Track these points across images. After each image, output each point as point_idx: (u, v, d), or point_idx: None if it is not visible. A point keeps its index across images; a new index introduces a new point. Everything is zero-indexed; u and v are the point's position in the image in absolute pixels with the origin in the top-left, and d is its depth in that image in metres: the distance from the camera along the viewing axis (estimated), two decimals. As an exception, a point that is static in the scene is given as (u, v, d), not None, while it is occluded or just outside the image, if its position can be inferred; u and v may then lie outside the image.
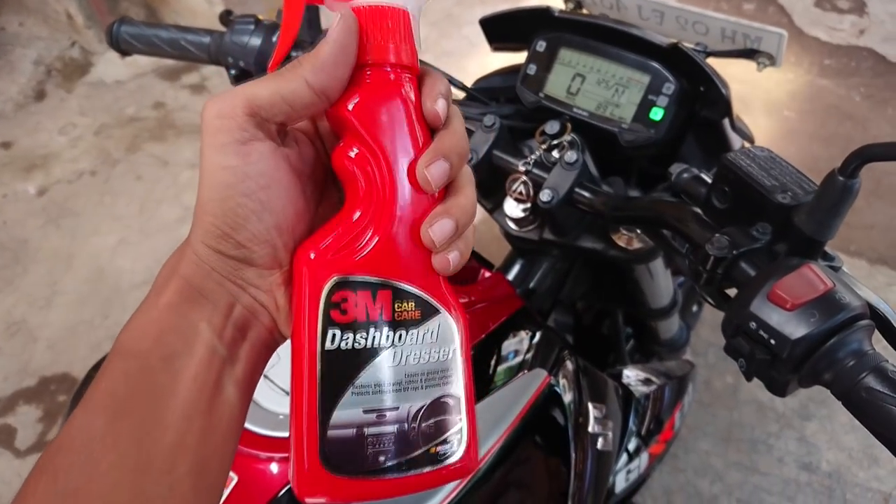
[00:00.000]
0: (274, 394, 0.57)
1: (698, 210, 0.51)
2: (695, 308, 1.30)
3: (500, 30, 0.83)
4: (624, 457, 0.78)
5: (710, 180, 0.52)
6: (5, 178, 2.37)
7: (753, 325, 0.40)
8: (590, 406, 0.70)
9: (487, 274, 0.78)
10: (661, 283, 0.92)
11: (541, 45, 0.76)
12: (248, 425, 0.54)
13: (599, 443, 0.69)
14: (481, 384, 0.63)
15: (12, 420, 1.75)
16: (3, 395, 1.79)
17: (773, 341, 0.40)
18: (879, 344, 0.41)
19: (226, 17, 0.75)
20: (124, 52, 0.72)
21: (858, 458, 1.54)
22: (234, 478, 0.52)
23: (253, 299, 0.35)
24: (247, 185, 0.33)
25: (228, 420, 0.33)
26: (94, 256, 2.09)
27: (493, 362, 0.66)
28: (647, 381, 0.86)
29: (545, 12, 0.74)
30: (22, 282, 2.05)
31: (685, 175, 0.55)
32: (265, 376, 0.58)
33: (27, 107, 2.65)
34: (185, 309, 0.33)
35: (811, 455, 1.55)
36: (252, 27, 0.65)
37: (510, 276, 0.83)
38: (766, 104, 2.37)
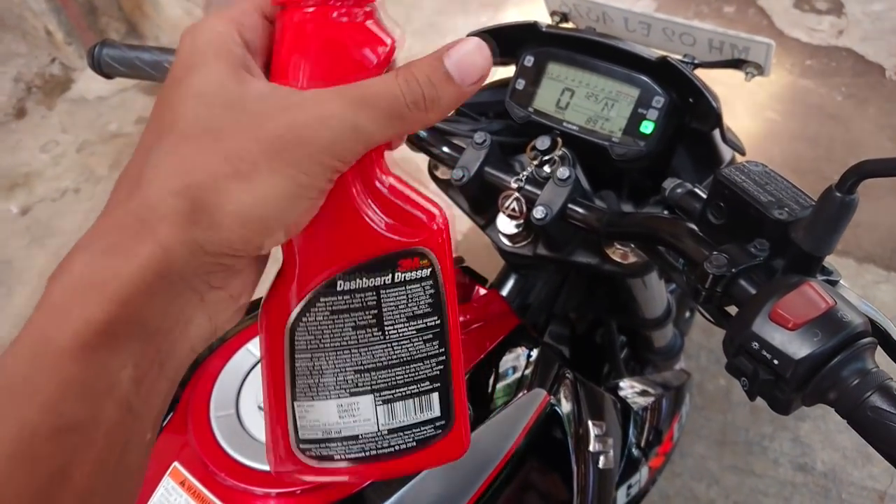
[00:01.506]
0: (269, 425, 0.55)
1: (693, 226, 0.51)
2: (687, 314, 1.30)
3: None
4: (625, 471, 0.78)
5: (704, 195, 0.52)
6: (-13, 198, 2.34)
7: (756, 345, 0.40)
8: (590, 424, 0.69)
9: (482, 291, 0.77)
10: (656, 293, 0.91)
11: (529, 60, 0.75)
12: (241, 459, 0.53)
13: (601, 461, 0.69)
14: (482, 405, 0.63)
15: (0, 445, 1.72)
16: (-11, 419, 1.77)
17: (776, 361, 0.39)
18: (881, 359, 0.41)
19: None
20: (106, 76, 0.70)
21: (853, 457, 1.55)
22: (229, 513, 0.51)
23: (204, 307, 0.28)
24: (315, 209, 0.30)
25: (136, 477, 0.26)
26: (80, 276, 2.07)
27: (491, 382, 0.65)
28: (644, 393, 0.86)
29: (532, 27, 0.73)
30: (7, 303, 2.02)
31: (679, 190, 0.55)
32: (259, 408, 0.57)
33: (7, 125, 2.63)
34: (105, 351, 0.24)
35: (806, 455, 1.56)
36: (238, 48, 0.64)
37: (504, 292, 0.82)
38: (749, 106, 2.38)
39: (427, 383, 0.34)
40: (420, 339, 0.33)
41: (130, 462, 0.25)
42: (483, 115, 0.83)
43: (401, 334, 0.33)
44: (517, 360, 0.68)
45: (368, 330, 0.33)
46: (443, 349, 0.34)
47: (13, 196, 2.34)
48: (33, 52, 2.87)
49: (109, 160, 2.42)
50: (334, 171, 0.27)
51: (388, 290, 0.32)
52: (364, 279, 0.32)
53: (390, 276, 0.32)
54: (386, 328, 0.33)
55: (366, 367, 0.33)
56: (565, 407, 0.67)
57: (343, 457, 0.34)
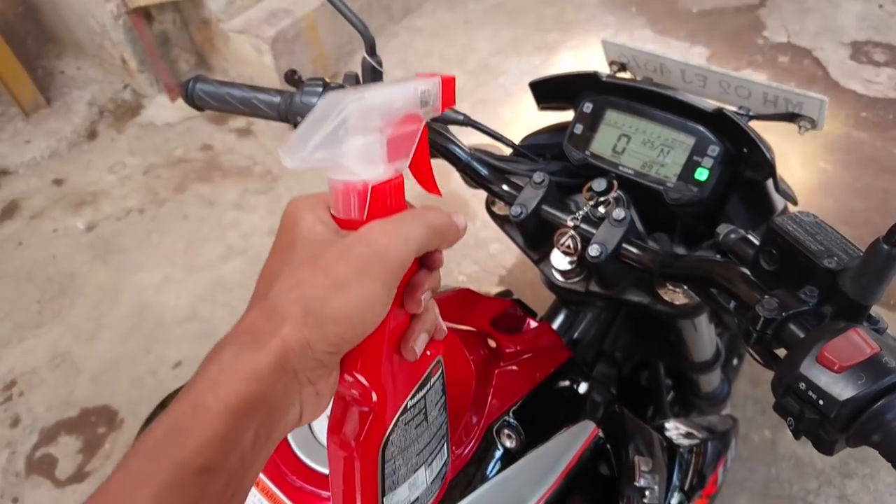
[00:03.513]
0: (336, 435, 0.59)
1: (746, 271, 0.53)
2: (735, 361, 1.30)
3: (547, 92, 0.87)
4: (668, 510, 0.79)
5: (757, 242, 0.55)
6: (56, 214, 2.47)
7: (803, 385, 0.42)
8: (637, 459, 0.71)
9: (533, 324, 0.80)
10: (705, 336, 0.93)
11: (587, 107, 0.79)
12: (311, 463, 0.57)
13: (646, 496, 0.70)
14: (531, 434, 0.65)
15: (54, 450, 1.80)
16: (45, 424, 1.85)
17: (821, 402, 0.41)
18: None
19: (291, 76, 0.80)
20: (198, 108, 0.77)
21: (903, 519, 1.50)
22: (295, 515, 0.55)
23: (300, 396, 0.35)
24: (384, 314, 0.36)
25: None
26: (139, 292, 2.16)
27: (541, 412, 0.68)
28: (689, 435, 0.86)
29: (593, 77, 0.77)
30: (69, 314, 2.12)
31: (732, 236, 0.58)
32: (328, 415, 0.60)
33: (80, 146, 2.78)
34: (241, 416, 0.31)
35: (853, 514, 1.51)
36: (320, 89, 0.70)
37: (555, 326, 0.85)
38: (801, 156, 2.38)
39: (442, 440, 0.47)
40: (440, 414, 0.46)
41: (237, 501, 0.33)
42: (541, 156, 0.87)
43: (434, 418, 0.45)
44: (567, 392, 0.71)
45: (422, 424, 0.44)
46: (446, 412, 0.47)
47: (80, 213, 2.47)
48: (108, 79, 3.04)
49: (173, 183, 2.54)
50: (399, 279, 0.36)
51: (428, 394, 0.44)
52: (419, 393, 0.43)
53: (429, 383, 0.44)
54: (428, 418, 0.45)
55: (421, 449, 0.45)
56: (613, 440, 0.69)
57: None
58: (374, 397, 0.39)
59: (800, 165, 2.35)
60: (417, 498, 0.46)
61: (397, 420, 0.41)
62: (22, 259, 2.31)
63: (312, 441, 0.59)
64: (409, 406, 0.42)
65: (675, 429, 0.86)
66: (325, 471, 0.57)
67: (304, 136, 0.34)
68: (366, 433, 0.40)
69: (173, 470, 0.29)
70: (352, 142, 0.35)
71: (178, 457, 0.29)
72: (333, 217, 0.38)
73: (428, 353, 0.42)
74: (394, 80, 0.39)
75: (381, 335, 0.38)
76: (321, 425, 0.60)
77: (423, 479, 0.46)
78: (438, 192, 0.42)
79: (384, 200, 0.37)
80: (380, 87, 0.37)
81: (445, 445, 0.49)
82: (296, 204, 0.39)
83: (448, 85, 0.40)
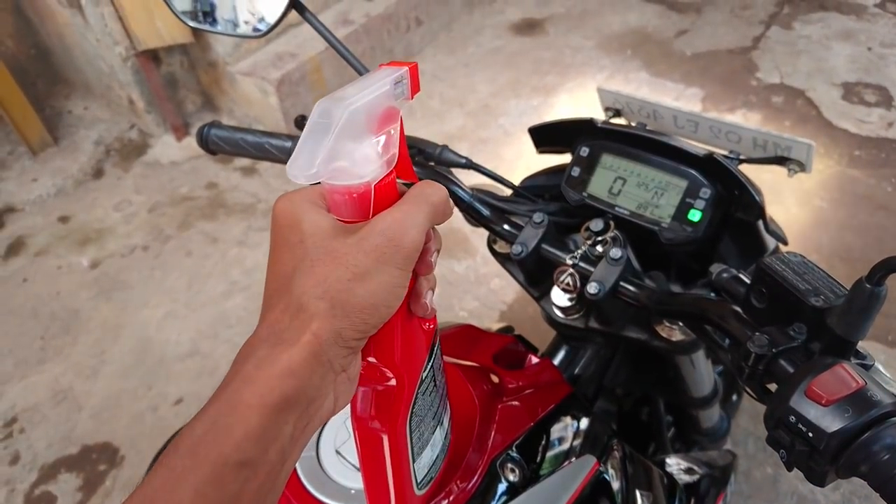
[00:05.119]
0: (345, 469, 0.61)
1: (738, 309, 0.56)
2: (734, 398, 1.31)
3: (546, 137, 0.90)
4: (668, 545, 0.80)
5: (748, 281, 0.57)
6: (61, 251, 2.50)
7: (792, 418, 0.44)
8: (637, 494, 0.72)
9: (535, 359, 0.82)
10: (703, 372, 0.94)
11: (584, 151, 0.83)
12: (321, 496, 0.58)
13: (647, 530, 0.71)
14: (532, 469, 0.66)
15: (53, 488, 1.79)
16: (45, 461, 1.84)
17: (810, 434, 0.43)
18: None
19: (301, 121, 0.84)
20: (212, 152, 0.80)
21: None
22: (309, 548, 0.57)
23: (334, 385, 0.36)
24: (404, 295, 0.39)
25: None
26: (142, 328, 2.17)
27: (542, 447, 0.69)
28: (689, 471, 0.87)
29: (589, 123, 0.81)
30: (71, 351, 2.13)
31: (725, 275, 0.60)
32: (337, 452, 0.62)
33: (85, 184, 2.82)
34: (280, 411, 0.32)
35: (856, 553, 1.51)
36: (329, 134, 0.73)
37: (556, 362, 0.87)
38: (797, 193, 2.42)
39: (444, 397, 0.51)
40: (442, 376, 0.50)
41: (272, 501, 0.34)
42: (540, 197, 0.90)
43: (440, 381, 0.49)
44: (568, 427, 0.72)
45: (433, 391, 0.47)
46: (443, 370, 0.51)
47: (85, 250, 2.49)
48: (115, 119, 3.10)
49: (178, 221, 2.57)
50: (415, 262, 0.38)
51: (434, 361, 0.47)
52: (429, 364, 0.46)
53: (434, 352, 0.47)
54: (437, 382, 0.48)
55: (435, 412, 0.48)
56: (614, 475, 0.70)
57: (434, 475, 0.51)
58: (394, 376, 0.43)
59: (796, 203, 2.38)
60: (437, 455, 0.51)
61: (416, 393, 0.44)
62: (26, 295, 2.33)
63: (322, 476, 0.61)
64: (423, 378, 0.45)
65: (675, 464, 0.88)
66: (334, 502, 0.58)
67: (307, 150, 0.35)
68: (392, 410, 0.43)
69: (213, 465, 0.30)
70: (352, 147, 0.36)
71: (217, 452, 0.31)
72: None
73: (428, 325, 0.45)
74: (364, 76, 0.40)
75: (394, 317, 0.40)
76: (331, 461, 0.62)
77: (438, 438, 0.49)
78: (416, 179, 0.43)
79: (386, 193, 0.39)
80: (359, 87, 0.37)
81: (446, 400, 0.53)
82: (290, 202, 0.39)
83: (414, 73, 0.41)
